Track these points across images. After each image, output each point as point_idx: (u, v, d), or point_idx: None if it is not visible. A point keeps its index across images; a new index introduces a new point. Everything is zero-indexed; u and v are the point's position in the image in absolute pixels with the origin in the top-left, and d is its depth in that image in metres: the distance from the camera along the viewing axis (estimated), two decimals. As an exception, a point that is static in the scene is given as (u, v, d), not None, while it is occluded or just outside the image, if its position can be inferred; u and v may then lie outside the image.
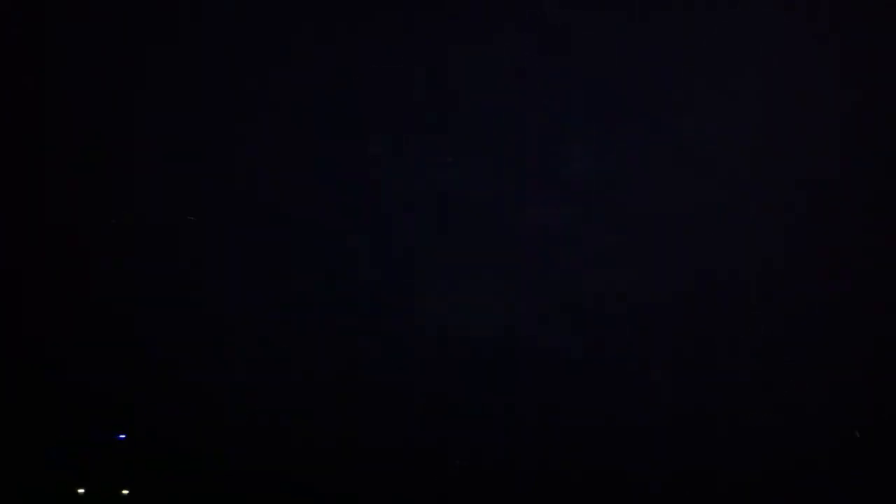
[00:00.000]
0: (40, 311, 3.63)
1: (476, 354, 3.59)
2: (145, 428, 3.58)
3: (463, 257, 3.63)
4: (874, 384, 3.49)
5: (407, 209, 3.63)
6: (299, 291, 3.64)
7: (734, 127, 3.58)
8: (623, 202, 3.62)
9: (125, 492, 3.44)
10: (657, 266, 3.58)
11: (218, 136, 3.66)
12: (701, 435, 3.52)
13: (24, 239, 3.64)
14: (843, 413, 3.49)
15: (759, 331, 3.55)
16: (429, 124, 3.63)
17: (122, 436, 3.50)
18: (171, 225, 3.66)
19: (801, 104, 3.57)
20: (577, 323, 3.57)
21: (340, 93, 3.65)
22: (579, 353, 3.56)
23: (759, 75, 3.58)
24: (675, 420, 3.52)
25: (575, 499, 3.51)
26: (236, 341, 3.63)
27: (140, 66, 3.65)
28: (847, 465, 3.45)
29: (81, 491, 3.43)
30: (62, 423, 3.56)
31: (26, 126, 3.66)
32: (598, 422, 3.52)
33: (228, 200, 3.66)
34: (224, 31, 3.65)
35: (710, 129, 3.58)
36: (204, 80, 3.66)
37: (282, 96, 3.66)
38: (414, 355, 3.60)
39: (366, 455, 3.56)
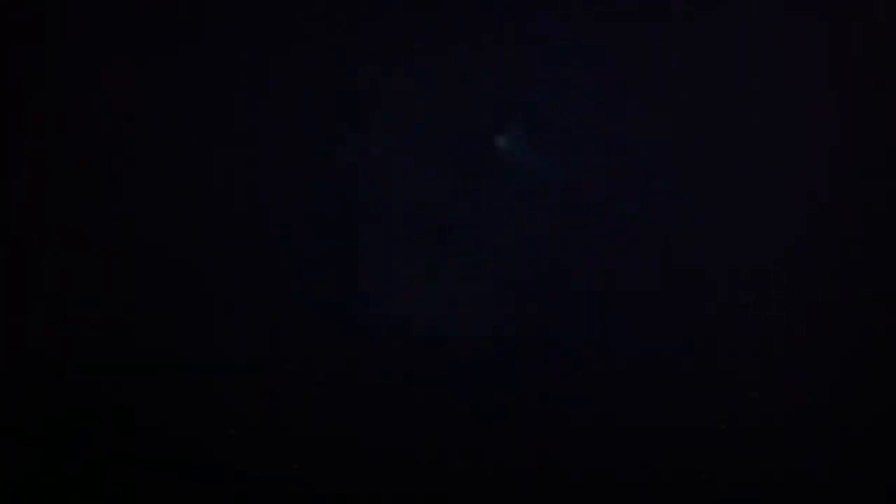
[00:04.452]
0: (40, 310, 3.64)
1: (469, 352, 3.60)
2: (142, 427, 3.59)
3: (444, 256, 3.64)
4: (874, 384, 3.50)
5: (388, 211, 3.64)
6: (294, 294, 3.65)
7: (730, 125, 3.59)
8: (615, 200, 3.61)
9: None
10: (651, 265, 3.58)
11: (216, 137, 3.67)
12: (702, 430, 3.52)
13: (24, 239, 3.65)
14: (844, 413, 3.49)
15: (760, 328, 3.56)
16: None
17: None
18: (169, 224, 3.67)
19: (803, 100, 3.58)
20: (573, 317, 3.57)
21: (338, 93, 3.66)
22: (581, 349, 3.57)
23: (758, 73, 3.59)
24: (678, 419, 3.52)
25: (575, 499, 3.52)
26: (233, 339, 3.64)
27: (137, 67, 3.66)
28: (846, 465, 3.45)
29: None
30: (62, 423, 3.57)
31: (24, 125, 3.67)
32: (588, 421, 3.53)
33: (226, 201, 3.67)
34: (221, 29, 3.66)
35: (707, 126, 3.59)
36: (200, 80, 3.67)
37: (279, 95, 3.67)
38: (403, 354, 3.61)
39: (365, 455, 3.57)
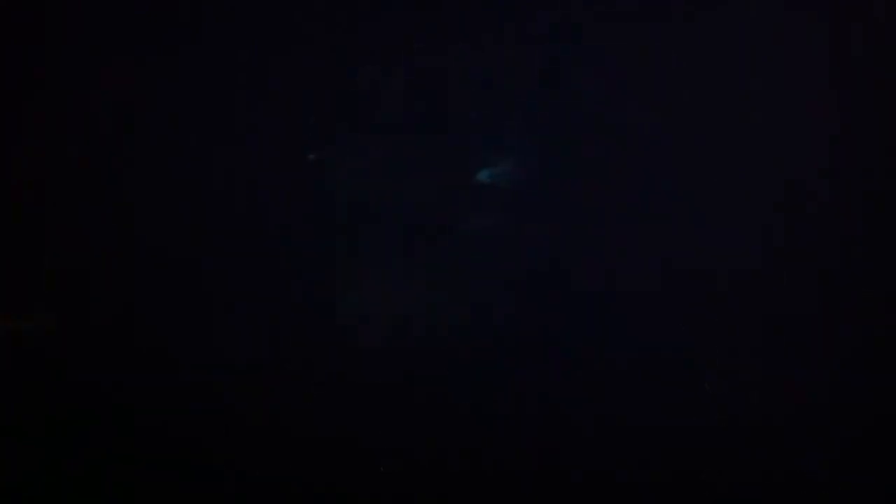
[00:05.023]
0: (40, 310, 3.64)
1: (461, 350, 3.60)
2: (142, 427, 3.59)
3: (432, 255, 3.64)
4: (874, 383, 3.50)
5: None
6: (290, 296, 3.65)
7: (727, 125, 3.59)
8: (613, 196, 3.62)
9: None
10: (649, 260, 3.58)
11: (216, 137, 3.67)
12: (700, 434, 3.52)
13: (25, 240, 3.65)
14: (844, 413, 3.49)
15: (755, 325, 3.56)
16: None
17: None
18: (169, 224, 3.67)
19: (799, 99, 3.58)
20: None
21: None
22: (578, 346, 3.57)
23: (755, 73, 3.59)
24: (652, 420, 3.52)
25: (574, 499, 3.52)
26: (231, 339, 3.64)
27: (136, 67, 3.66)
28: (846, 465, 3.45)
29: None
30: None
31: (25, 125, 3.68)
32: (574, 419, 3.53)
33: (226, 201, 3.67)
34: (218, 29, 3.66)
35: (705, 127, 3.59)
36: (200, 80, 3.67)
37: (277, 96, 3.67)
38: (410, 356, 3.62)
39: (362, 455, 3.57)
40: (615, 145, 3.60)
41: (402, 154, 3.66)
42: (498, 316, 3.60)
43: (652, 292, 3.55)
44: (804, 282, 3.52)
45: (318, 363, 3.61)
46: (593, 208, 3.59)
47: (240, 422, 3.57)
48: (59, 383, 3.60)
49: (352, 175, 3.67)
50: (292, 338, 3.62)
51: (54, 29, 3.66)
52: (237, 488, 3.55)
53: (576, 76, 3.61)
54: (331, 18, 3.64)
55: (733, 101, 3.58)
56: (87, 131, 3.66)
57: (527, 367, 3.57)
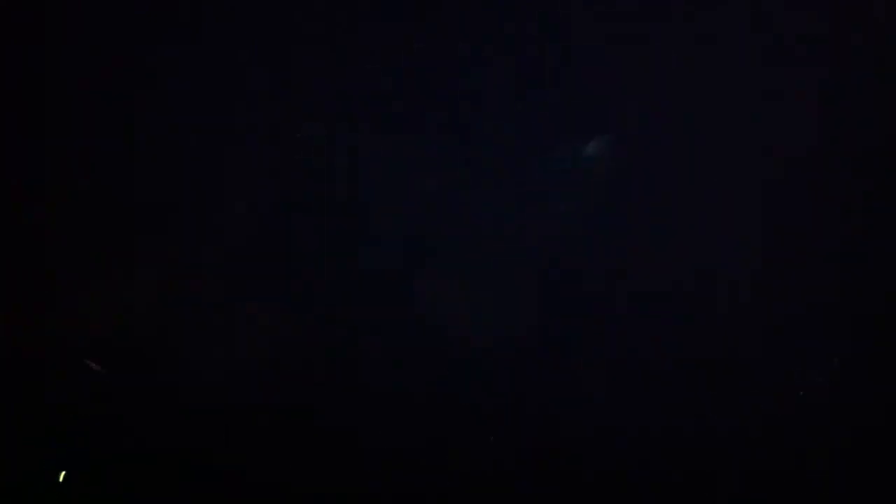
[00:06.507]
0: (37, 311, 3.64)
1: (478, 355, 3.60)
2: (141, 428, 3.59)
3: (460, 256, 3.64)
4: (874, 382, 3.50)
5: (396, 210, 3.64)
6: (297, 289, 3.65)
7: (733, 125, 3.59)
8: (621, 199, 3.62)
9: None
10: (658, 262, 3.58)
11: (215, 137, 3.67)
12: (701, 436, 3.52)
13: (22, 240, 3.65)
14: (843, 412, 3.49)
15: (762, 327, 3.56)
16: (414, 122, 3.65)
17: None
18: (168, 224, 3.67)
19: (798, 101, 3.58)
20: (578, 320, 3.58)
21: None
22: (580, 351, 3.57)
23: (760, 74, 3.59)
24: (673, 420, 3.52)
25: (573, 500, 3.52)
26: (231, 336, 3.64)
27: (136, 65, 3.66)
28: (846, 464, 3.46)
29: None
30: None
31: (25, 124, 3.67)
32: (603, 422, 3.53)
33: (225, 201, 3.67)
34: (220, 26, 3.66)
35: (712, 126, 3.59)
36: (199, 80, 3.67)
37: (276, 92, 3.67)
38: (413, 356, 3.61)
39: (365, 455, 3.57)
40: (616, 145, 3.60)
41: (401, 154, 3.66)
42: (500, 317, 3.60)
43: (654, 293, 3.55)
44: (805, 282, 3.53)
45: (317, 363, 3.61)
46: (594, 207, 3.60)
47: (240, 423, 3.57)
48: (57, 383, 3.60)
49: (351, 175, 3.67)
50: (292, 338, 3.62)
51: (54, 29, 3.66)
52: (237, 488, 3.55)
53: (576, 76, 3.61)
54: (331, 18, 3.64)
55: (732, 102, 3.59)
56: (87, 131, 3.66)
57: (531, 368, 3.57)
